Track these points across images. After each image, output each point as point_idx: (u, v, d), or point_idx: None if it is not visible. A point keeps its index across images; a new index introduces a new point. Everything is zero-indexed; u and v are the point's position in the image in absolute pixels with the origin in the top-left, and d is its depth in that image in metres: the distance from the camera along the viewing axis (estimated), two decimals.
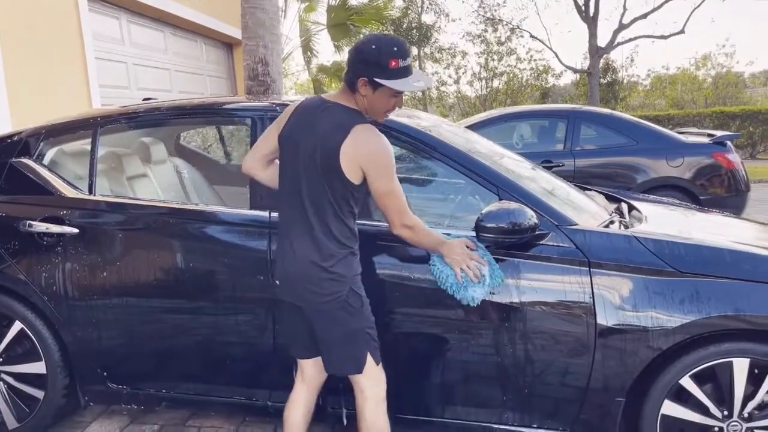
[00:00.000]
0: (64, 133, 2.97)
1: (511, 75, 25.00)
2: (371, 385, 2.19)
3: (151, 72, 7.39)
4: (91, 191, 2.79)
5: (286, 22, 14.14)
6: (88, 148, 2.86)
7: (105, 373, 2.79)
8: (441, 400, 2.55)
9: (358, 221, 2.20)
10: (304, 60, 14.96)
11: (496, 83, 25.28)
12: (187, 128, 4.17)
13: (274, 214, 2.53)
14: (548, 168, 6.20)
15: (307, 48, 14.56)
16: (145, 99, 3.48)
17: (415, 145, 2.59)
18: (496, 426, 2.49)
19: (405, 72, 2.02)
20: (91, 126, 2.89)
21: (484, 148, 2.92)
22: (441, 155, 2.57)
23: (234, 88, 9.82)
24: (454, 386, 2.51)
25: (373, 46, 2.01)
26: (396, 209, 2.10)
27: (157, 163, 3.47)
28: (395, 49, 2.01)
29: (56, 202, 2.77)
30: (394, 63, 2.00)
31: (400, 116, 2.77)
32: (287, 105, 2.75)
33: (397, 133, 2.58)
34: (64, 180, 2.84)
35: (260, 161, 2.31)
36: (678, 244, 2.35)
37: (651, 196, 4.19)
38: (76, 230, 2.70)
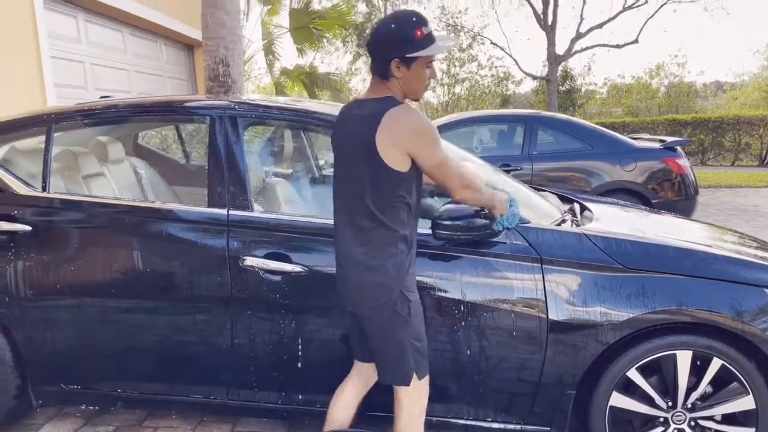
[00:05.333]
0: (16, 130, 2.91)
1: (473, 81, 25.34)
2: (408, 400, 2.16)
3: (109, 72, 7.26)
4: (45, 189, 2.74)
5: (249, 25, 14.09)
6: (42, 145, 2.82)
7: (58, 374, 2.74)
8: None
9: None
10: (267, 63, 14.87)
11: (457, 89, 25.60)
12: (146, 127, 4.12)
13: (233, 212, 2.55)
14: (507, 171, 6.31)
15: (269, 51, 14.48)
16: (102, 97, 3.44)
17: None
18: (452, 420, 2.54)
19: (431, 38, 1.99)
20: (45, 122, 2.84)
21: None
22: None
23: (195, 89, 9.72)
24: None
25: (393, 25, 1.98)
26: (453, 176, 2.05)
27: (115, 162, 3.43)
28: (414, 19, 1.98)
29: (8, 199, 2.72)
30: (419, 32, 1.96)
31: None
32: (248, 104, 2.78)
33: None
34: (16, 177, 2.79)
35: None
36: (625, 241, 2.44)
37: (604, 198, 4.32)
38: (28, 228, 2.65)
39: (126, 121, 3.30)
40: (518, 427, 2.50)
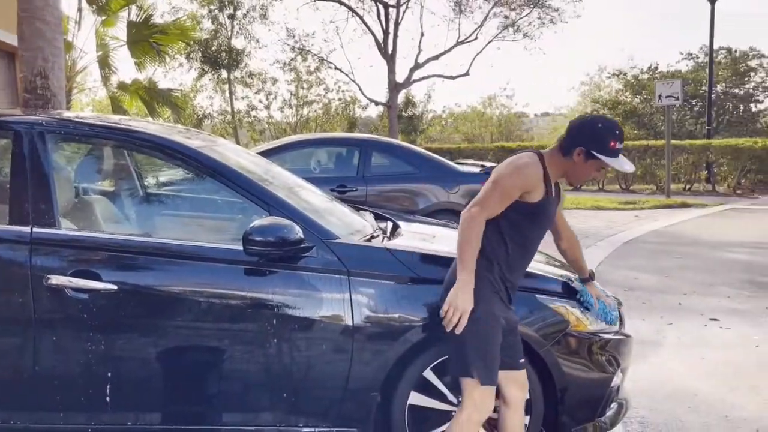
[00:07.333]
0: None
1: (322, 104, 25.80)
2: (471, 404, 2.36)
3: None
4: None
5: (81, 34, 13.26)
6: None
7: None
8: (216, 408, 2.64)
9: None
10: (102, 76, 14.10)
11: (306, 111, 25.90)
12: None
13: (37, 229, 2.48)
14: (342, 192, 6.60)
15: (104, 63, 13.74)
16: None
17: (190, 164, 2.72)
18: (266, 428, 2.65)
19: (617, 152, 2.35)
20: None
21: (261, 170, 3.12)
22: (218, 175, 2.71)
23: (15, 99, 9.02)
24: (228, 394, 2.62)
25: (600, 125, 2.37)
26: (480, 195, 2.38)
27: None
28: (617, 132, 2.35)
29: None
30: (613, 143, 2.33)
31: (190, 139, 2.91)
32: (58, 119, 2.73)
33: (178, 154, 2.72)
34: None
35: None
36: (422, 254, 2.75)
37: (424, 218, 4.69)
38: None
39: None
40: (328, 429, 2.66)
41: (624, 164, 2.38)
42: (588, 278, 2.85)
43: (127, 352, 2.53)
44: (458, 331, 2.31)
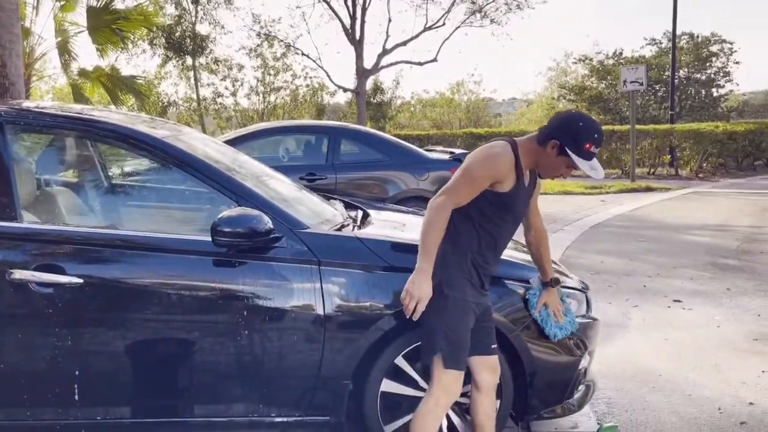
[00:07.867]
0: None
1: (289, 91, 25.54)
2: (439, 387, 2.39)
3: None
4: None
5: (39, 19, 12.83)
6: None
7: None
8: (187, 401, 2.62)
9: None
10: (61, 63, 13.71)
11: (273, 98, 25.62)
12: None
13: None
14: (311, 181, 6.56)
15: (64, 50, 13.35)
16: None
17: (155, 154, 2.68)
18: (238, 419, 2.64)
19: (590, 156, 2.33)
20: None
21: (229, 159, 3.08)
22: (184, 166, 2.67)
23: None
24: (200, 386, 2.61)
25: (581, 124, 2.33)
26: (449, 183, 2.39)
27: None
28: (596, 136, 2.33)
29: None
30: (588, 145, 2.31)
31: (155, 128, 2.87)
32: (16, 110, 2.66)
33: (143, 144, 2.67)
34: None
35: None
36: (393, 243, 2.75)
37: (394, 206, 4.70)
38: None
39: None
40: (300, 419, 2.67)
41: (594, 168, 2.34)
42: (549, 283, 2.74)
43: (95, 346, 2.50)
44: (416, 317, 2.33)
